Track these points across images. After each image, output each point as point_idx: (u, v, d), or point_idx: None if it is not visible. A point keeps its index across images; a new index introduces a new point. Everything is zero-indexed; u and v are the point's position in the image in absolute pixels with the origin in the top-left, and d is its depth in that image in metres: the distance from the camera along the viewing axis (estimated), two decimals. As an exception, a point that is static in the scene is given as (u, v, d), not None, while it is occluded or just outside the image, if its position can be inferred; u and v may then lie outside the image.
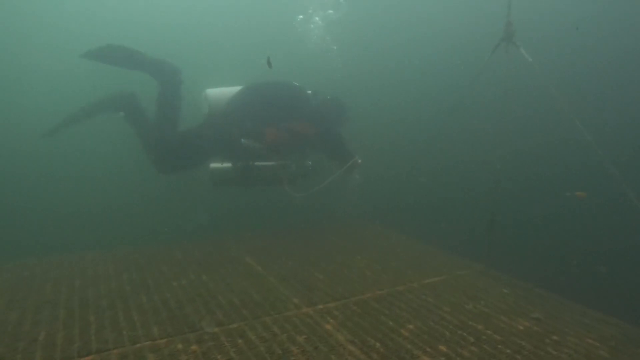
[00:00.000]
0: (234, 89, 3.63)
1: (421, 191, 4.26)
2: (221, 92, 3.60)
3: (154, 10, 6.69)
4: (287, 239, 3.54)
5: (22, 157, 5.10)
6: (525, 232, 3.57)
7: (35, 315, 2.05)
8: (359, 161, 3.60)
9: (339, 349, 1.78)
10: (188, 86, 3.68)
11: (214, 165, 3.56)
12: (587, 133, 2.30)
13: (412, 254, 3.20)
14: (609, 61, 3.87)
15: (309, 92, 3.71)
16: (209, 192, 4.38)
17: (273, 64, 2.98)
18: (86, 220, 4.39)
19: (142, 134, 3.37)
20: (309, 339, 1.86)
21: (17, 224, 4.12)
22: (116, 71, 3.44)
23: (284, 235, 3.66)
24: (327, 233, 3.74)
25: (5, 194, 4.61)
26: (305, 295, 2.37)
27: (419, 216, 4.06)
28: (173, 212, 4.56)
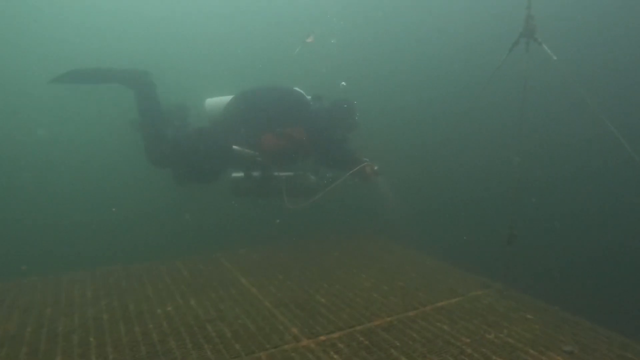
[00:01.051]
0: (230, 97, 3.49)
1: (425, 200, 4.02)
2: (219, 101, 3.49)
3: (159, 17, 6.57)
4: (286, 254, 3.28)
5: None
6: (546, 245, 3.31)
7: (-7, 354, 1.78)
8: (375, 167, 3.33)
9: (346, 396, 1.51)
10: (195, 97, 3.58)
11: (234, 174, 3.45)
12: (620, 135, 2.05)
13: (422, 271, 2.93)
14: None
15: (309, 96, 3.51)
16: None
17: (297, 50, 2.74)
18: (79, 233, 4.15)
19: (145, 122, 3.32)
20: (310, 382, 1.60)
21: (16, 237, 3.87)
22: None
23: (282, 250, 3.39)
24: (328, 247, 3.47)
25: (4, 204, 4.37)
26: (305, 324, 2.11)
27: (425, 227, 3.80)
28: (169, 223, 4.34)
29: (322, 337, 1.97)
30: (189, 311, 2.24)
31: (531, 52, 2.15)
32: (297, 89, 3.56)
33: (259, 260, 3.13)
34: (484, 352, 1.83)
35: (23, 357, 1.75)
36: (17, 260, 3.23)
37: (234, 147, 3.24)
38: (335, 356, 1.80)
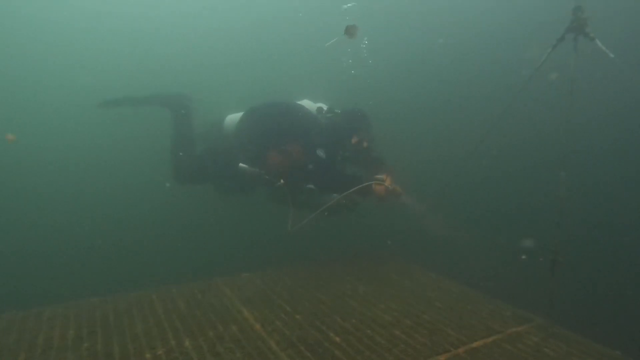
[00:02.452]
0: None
1: (448, 214, 3.67)
2: (235, 118, 3.49)
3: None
4: (293, 280, 2.95)
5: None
6: (597, 272, 2.93)
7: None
8: (390, 187, 3.00)
9: None
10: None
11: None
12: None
13: (447, 300, 2.58)
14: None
15: (316, 107, 3.36)
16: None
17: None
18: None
19: (175, 143, 3.49)
20: None
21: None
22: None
23: (290, 274, 3.07)
24: (341, 271, 3.14)
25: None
26: (318, 373, 1.78)
27: (447, 246, 3.45)
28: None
29: (339, 393, 1.65)
30: (181, 356, 1.92)
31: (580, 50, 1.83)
32: (304, 102, 3.43)
33: (263, 288, 2.81)
34: (540, 417, 1.49)
35: None
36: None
37: (241, 165, 3.14)
38: (356, 422, 1.47)
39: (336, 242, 3.72)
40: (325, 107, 3.45)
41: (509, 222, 3.71)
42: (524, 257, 2.96)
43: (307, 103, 3.44)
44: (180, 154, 3.40)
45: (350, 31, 2.06)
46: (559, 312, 2.25)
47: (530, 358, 1.90)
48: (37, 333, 2.16)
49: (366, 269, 3.19)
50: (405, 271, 3.14)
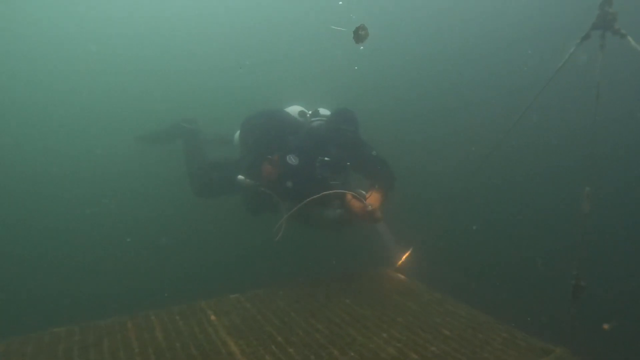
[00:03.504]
0: None
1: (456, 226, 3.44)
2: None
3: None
4: (286, 303, 2.68)
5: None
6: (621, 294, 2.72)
7: None
8: (369, 207, 2.75)
9: None
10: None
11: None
12: None
13: (457, 326, 2.34)
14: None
15: (299, 112, 3.29)
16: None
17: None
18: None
19: (189, 162, 3.74)
20: None
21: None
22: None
23: (282, 296, 2.79)
24: (338, 291, 2.87)
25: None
26: None
27: (455, 264, 3.22)
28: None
29: None
30: (154, 404, 1.65)
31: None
32: (292, 107, 3.32)
33: (252, 312, 2.54)
34: None
35: None
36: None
37: (239, 177, 3.10)
38: None
39: (334, 257, 3.47)
40: (309, 112, 3.29)
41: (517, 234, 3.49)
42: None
43: (294, 109, 3.28)
44: (194, 168, 3.59)
45: (359, 34, 1.83)
46: (580, 341, 2.02)
47: (556, 401, 1.66)
48: (-14, 375, 1.87)
49: (366, 289, 2.93)
50: (409, 291, 2.89)
